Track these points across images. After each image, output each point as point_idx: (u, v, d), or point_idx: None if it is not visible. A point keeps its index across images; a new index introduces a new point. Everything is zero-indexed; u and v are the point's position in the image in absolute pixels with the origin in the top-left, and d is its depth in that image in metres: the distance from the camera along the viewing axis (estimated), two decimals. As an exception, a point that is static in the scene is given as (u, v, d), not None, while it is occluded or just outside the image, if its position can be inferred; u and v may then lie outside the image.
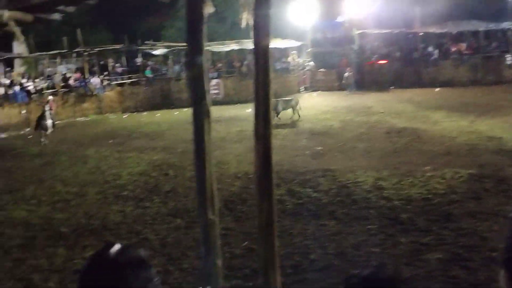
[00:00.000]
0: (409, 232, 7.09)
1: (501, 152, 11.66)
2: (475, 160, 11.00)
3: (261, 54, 2.46)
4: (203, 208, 2.90)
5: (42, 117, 17.06)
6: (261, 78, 2.48)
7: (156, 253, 6.92)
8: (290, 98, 19.77)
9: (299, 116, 18.94)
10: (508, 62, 29.67)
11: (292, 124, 17.97)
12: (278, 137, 15.42)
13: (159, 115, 24.03)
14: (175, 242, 7.35)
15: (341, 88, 28.53)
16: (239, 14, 2.56)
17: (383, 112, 19.58)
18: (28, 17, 5.56)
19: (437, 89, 27.10)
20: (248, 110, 22.65)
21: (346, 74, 28.08)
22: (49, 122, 17.05)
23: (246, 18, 2.47)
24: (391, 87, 29.32)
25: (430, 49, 31.47)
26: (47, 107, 17.47)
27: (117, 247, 1.34)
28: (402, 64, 30.69)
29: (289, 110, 19.04)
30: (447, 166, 10.54)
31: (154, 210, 8.92)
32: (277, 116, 17.96)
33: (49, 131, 17.13)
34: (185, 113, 23.20)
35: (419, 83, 29.26)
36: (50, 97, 20.03)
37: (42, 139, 16.67)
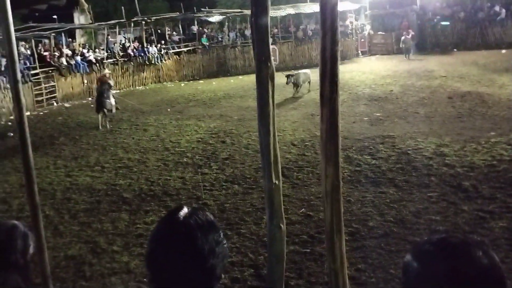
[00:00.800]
0: (472, 199, 6.87)
1: None
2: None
3: (329, 12, 2.37)
4: (268, 172, 2.90)
5: (101, 96, 14.68)
6: (329, 38, 2.40)
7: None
8: (307, 71, 18.61)
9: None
10: None
11: (350, 90, 17.59)
12: (335, 103, 15.20)
13: (215, 83, 24.19)
14: (233, 208, 7.46)
15: (400, 52, 27.41)
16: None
17: (445, 76, 18.81)
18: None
19: (504, 51, 25.66)
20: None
21: (403, 38, 26.71)
22: (111, 101, 14.91)
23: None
24: (454, 50, 28.09)
25: (496, 8, 29.67)
26: (109, 82, 15.23)
27: (186, 209, 1.36)
28: (467, 24, 29.21)
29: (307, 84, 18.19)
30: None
31: (212, 177, 9.07)
32: (297, 88, 17.65)
33: (114, 111, 15.24)
34: (241, 81, 23.34)
35: (484, 44, 27.83)
36: (107, 71, 17.54)
37: (102, 125, 14.40)
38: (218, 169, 9.53)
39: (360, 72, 22.51)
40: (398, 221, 6.39)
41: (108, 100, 14.70)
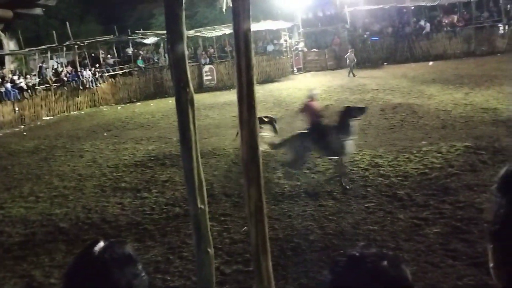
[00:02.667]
0: (407, 208, 7.10)
1: (497, 123, 11.65)
2: (471, 132, 10.99)
3: (242, 38, 2.42)
4: (193, 198, 2.88)
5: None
6: (243, 63, 2.44)
7: (156, 243, 6.92)
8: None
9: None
10: (501, 32, 29.55)
11: (287, 107, 17.87)
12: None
13: (153, 105, 23.95)
14: (174, 231, 7.35)
15: (334, 67, 28.04)
16: (221, -2, 2.52)
17: (377, 89, 19.53)
18: (8, 14, 5.44)
19: (431, 63, 27.02)
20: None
21: (348, 55, 27.06)
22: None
23: (226, 2, 2.42)
24: (384, 63, 29.25)
25: (422, 22, 31.27)
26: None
27: (101, 244, 1.33)
28: (395, 39, 30.55)
29: None
30: (443, 139, 10.54)
31: (152, 201, 8.91)
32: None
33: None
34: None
35: (412, 57, 29.19)
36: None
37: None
38: (158, 192, 9.37)
39: (296, 88, 22.96)
40: (338, 233, 6.51)
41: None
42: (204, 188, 2.96)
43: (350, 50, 27.09)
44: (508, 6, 31.18)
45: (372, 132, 12.35)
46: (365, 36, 31.75)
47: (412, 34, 30.38)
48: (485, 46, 28.88)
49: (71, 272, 1.32)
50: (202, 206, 2.90)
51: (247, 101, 2.45)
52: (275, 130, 12.18)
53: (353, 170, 9.15)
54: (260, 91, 23.33)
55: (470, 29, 29.76)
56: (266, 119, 11.97)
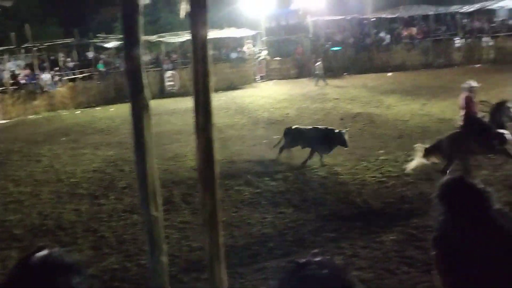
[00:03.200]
0: (364, 215, 7.24)
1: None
2: (428, 142, 11.27)
3: (199, 44, 2.43)
4: (146, 205, 2.86)
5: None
6: (200, 69, 2.45)
7: (114, 251, 6.81)
8: None
9: None
10: (457, 45, 30.54)
11: (249, 114, 17.95)
12: (236, 128, 15.44)
13: (114, 110, 23.56)
14: (132, 239, 7.25)
15: (319, 77, 27.78)
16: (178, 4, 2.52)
17: (338, 98, 19.83)
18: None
19: (390, 74, 27.64)
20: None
21: (317, 65, 27.10)
22: None
23: (185, 8, 2.43)
24: (345, 73, 29.73)
25: (382, 34, 32.01)
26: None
27: (42, 253, 1.31)
28: (355, 50, 31.14)
29: None
30: (400, 149, 10.78)
31: (110, 207, 8.77)
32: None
33: None
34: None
35: (372, 68, 29.77)
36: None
37: None
38: (116, 199, 9.23)
39: (259, 96, 23.08)
40: (297, 240, 6.56)
41: None
42: (159, 195, 2.94)
43: (319, 60, 27.43)
44: (464, 20, 32.30)
45: (332, 140, 12.52)
46: (327, 46, 32.23)
47: (373, 45, 31.05)
48: (442, 59, 29.80)
49: (10, 280, 1.30)
50: (156, 214, 2.87)
51: (203, 108, 2.46)
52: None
53: (313, 178, 9.26)
54: (223, 98, 23.33)
55: (428, 41, 30.66)
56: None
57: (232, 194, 8.77)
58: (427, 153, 8.50)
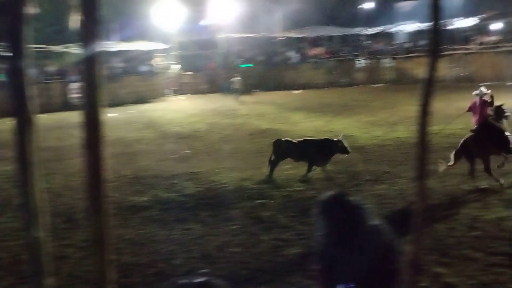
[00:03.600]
0: (270, 229, 7.35)
1: (354, 149, 12.55)
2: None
3: (89, 57, 2.39)
4: (28, 226, 2.72)
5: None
6: (90, 83, 2.41)
7: (6, 272, 6.38)
8: None
9: None
10: (359, 65, 32.25)
11: (159, 128, 17.72)
12: (144, 142, 15.17)
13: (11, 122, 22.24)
14: (28, 259, 6.82)
15: (227, 92, 27.74)
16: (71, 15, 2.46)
17: (247, 114, 20.16)
18: None
19: (297, 91, 28.54)
20: (113, 114, 21.91)
21: (233, 79, 27.40)
22: None
23: (76, 19, 2.37)
24: (255, 90, 30.27)
25: (290, 53, 33.04)
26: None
27: None
28: (265, 67, 31.85)
29: None
30: (305, 164, 11.10)
31: (6, 226, 8.22)
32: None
33: None
34: (43, 119, 21.77)
35: (280, 86, 30.56)
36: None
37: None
38: (13, 216, 8.67)
39: (169, 110, 22.89)
40: (203, 257, 6.53)
41: None
42: (42, 216, 2.81)
43: (235, 75, 27.79)
44: (366, 42, 34.21)
45: (241, 155, 12.67)
46: (238, 62, 32.68)
47: (281, 63, 31.94)
48: (346, 78, 31.29)
49: None
50: (40, 234, 2.75)
51: (91, 122, 2.41)
52: None
53: (221, 193, 9.30)
54: (132, 112, 22.87)
55: (333, 61, 32.09)
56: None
57: (138, 211, 8.57)
58: (456, 157, 8.96)
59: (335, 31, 34.08)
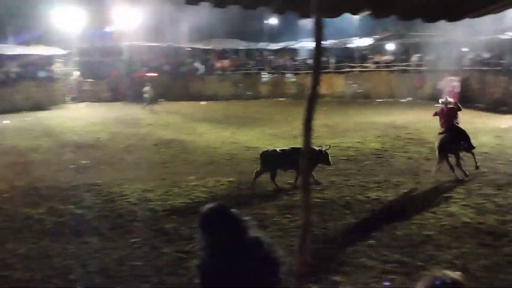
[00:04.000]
0: (173, 241, 7.25)
1: (257, 161, 12.76)
2: (235, 168, 11.88)
3: None
4: None
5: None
6: None
7: None
8: None
9: None
10: (265, 79, 33.00)
11: (56, 137, 16.88)
12: (40, 151, 14.40)
13: None
14: None
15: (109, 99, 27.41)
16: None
17: (152, 124, 19.84)
18: None
19: (203, 103, 28.59)
20: (5, 121, 20.58)
21: (146, 88, 26.59)
22: None
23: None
24: (160, 100, 29.84)
25: (197, 64, 33.04)
26: None
27: None
28: (171, 77, 31.57)
29: None
30: (210, 175, 11.15)
31: None
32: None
33: None
34: None
35: (186, 96, 30.43)
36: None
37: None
38: None
39: (69, 118, 21.92)
40: (101, 271, 6.29)
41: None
42: None
43: (148, 84, 27.08)
44: (271, 57, 35.11)
45: (144, 166, 12.42)
46: (142, 71, 32.11)
47: (187, 74, 31.83)
48: (251, 91, 31.84)
49: None
50: None
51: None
52: None
53: (122, 204, 9.02)
54: (28, 119, 21.62)
55: (238, 74, 32.55)
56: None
57: (32, 224, 8.09)
58: (441, 156, 10.46)
59: (241, 44, 34.61)
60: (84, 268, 6.38)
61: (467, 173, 10.36)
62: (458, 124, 10.82)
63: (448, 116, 10.85)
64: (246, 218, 2.83)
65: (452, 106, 10.95)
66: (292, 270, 3.49)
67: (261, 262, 2.70)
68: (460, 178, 10.27)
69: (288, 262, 6.16)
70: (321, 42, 3.75)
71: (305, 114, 3.78)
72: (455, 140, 10.56)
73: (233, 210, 2.83)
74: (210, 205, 2.88)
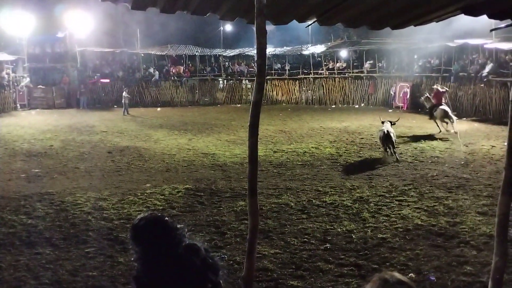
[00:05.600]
0: (127, 251, 7.08)
1: (214, 167, 12.80)
2: (192, 175, 11.81)
3: None
4: None
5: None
6: None
7: None
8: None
9: None
10: (221, 85, 33.04)
11: (6, 145, 16.30)
12: (-12, 160, 13.87)
13: None
14: None
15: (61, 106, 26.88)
16: None
17: (106, 131, 19.49)
18: None
19: (159, 109, 28.33)
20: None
21: (124, 94, 26.57)
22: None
23: None
24: (114, 106, 29.43)
25: (151, 70, 32.71)
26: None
27: None
28: (125, 83, 31.15)
29: None
30: (167, 182, 11.04)
31: None
32: None
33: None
34: None
35: (141, 102, 30.12)
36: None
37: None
38: None
39: (19, 126, 21.23)
40: (54, 282, 6.11)
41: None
42: None
43: (125, 89, 26.87)
44: (227, 63, 35.16)
45: (98, 174, 12.17)
46: (95, 77, 31.54)
47: (142, 80, 31.48)
48: (207, 97, 31.80)
49: None
50: None
51: None
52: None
53: (75, 214, 8.81)
54: (-26, 127, 20.81)
55: (195, 80, 32.46)
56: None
57: (-21, 236, 7.78)
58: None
59: (196, 50, 34.55)
60: (37, 280, 6.18)
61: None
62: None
63: (438, 97, 18.06)
64: (180, 226, 2.82)
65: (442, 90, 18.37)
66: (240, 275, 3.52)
67: (197, 269, 2.69)
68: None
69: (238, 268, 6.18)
70: (265, 48, 3.80)
71: (250, 119, 3.83)
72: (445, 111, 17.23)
73: (166, 219, 2.82)
74: (141, 216, 2.84)
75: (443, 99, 18.25)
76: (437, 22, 4.69)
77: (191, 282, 2.65)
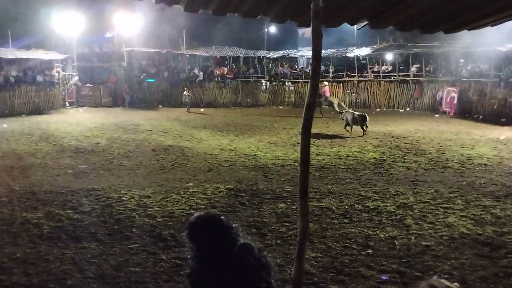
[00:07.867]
0: (170, 248, 7.22)
1: (256, 168, 12.81)
2: (233, 176, 11.85)
3: None
4: None
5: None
6: None
7: None
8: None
9: None
10: (263, 87, 33.07)
11: (55, 141, 16.83)
12: (39, 156, 14.35)
13: None
14: None
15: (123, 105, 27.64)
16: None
17: (150, 130, 19.83)
18: None
19: (202, 109, 28.60)
20: (2, 125, 20.56)
21: (185, 93, 27.75)
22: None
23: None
24: (159, 106, 29.93)
25: (196, 71, 33.09)
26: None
27: None
28: (170, 83, 31.65)
29: None
30: (209, 182, 11.13)
31: None
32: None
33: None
34: None
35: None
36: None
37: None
38: None
39: (67, 123, 21.89)
40: (98, 277, 6.26)
41: None
42: None
43: (186, 88, 27.92)
44: (270, 65, 35.18)
45: (143, 172, 12.38)
46: (141, 77, 32.17)
47: (187, 81, 31.88)
48: (250, 98, 31.89)
49: None
50: None
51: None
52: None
53: (120, 210, 8.99)
54: (26, 123, 21.60)
55: (238, 82, 32.61)
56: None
57: (29, 229, 8.04)
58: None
59: (240, 52, 34.72)
60: (81, 274, 6.34)
61: None
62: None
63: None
64: (235, 225, 2.82)
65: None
66: (288, 278, 3.48)
67: (251, 268, 2.69)
68: None
69: (285, 270, 6.16)
70: (320, 50, 3.76)
71: (303, 122, 3.78)
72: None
73: (221, 218, 2.82)
74: (197, 214, 2.85)
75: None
76: (492, 26, 4.54)
77: (246, 281, 2.65)
